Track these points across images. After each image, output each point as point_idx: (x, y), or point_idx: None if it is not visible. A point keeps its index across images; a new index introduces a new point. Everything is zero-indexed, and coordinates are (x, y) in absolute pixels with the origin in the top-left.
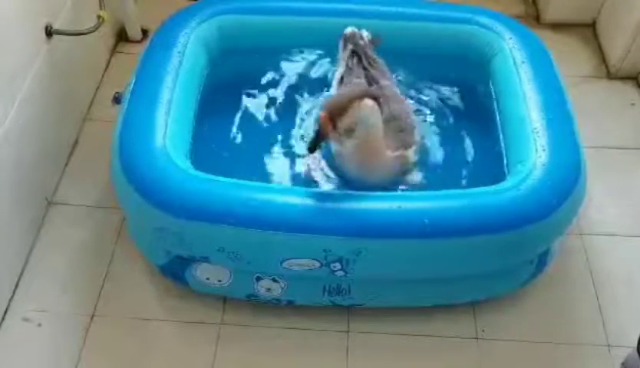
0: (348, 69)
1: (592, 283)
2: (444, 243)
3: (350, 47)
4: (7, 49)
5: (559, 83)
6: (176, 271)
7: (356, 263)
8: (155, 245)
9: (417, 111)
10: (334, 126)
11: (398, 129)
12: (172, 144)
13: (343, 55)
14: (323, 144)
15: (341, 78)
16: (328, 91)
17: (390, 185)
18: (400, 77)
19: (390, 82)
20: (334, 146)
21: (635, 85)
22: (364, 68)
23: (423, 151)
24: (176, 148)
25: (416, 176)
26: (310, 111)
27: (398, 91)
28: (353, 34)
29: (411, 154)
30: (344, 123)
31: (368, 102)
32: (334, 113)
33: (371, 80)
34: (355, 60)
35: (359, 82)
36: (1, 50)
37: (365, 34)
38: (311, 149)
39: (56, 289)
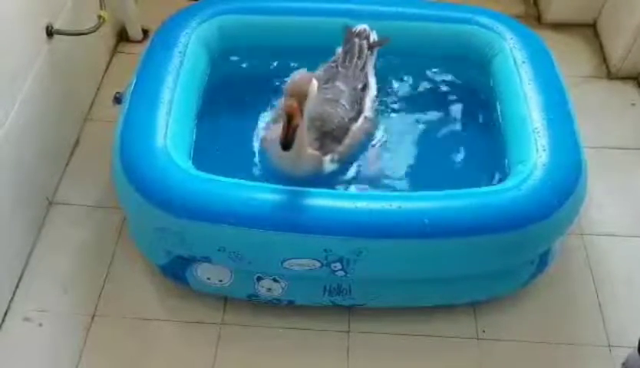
0: (331, 61)
1: (592, 283)
2: (445, 243)
3: (348, 45)
4: (8, 49)
5: (560, 83)
6: (176, 271)
7: (356, 263)
8: (156, 245)
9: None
10: (302, 112)
11: (322, 130)
12: (173, 144)
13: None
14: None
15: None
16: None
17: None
18: (401, 78)
19: (347, 89)
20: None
21: (636, 85)
22: (337, 66)
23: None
24: (177, 148)
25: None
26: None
27: (348, 98)
28: (363, 31)
29: (327, 160)
30: (306, 106)
31: (315, 81)
32: (300, 98)
33: (330, 77)
34: (341, 57)
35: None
36: (2, 51)
37: (373, 35)
38: (289, 145)
39: (57, 289)
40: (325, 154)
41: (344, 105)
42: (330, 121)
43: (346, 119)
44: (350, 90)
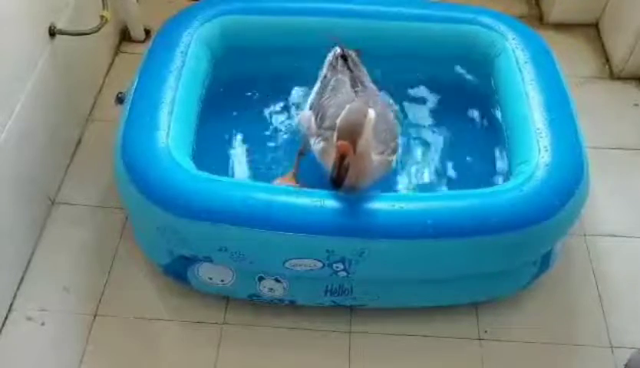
0: (332, 68)
1: (594, 283)
2: (447, 244)
3: (338, 51)
4: (10, 49)
5: (562, 83)
6: (178, 270)
7: (359, 263)
8: (158, 245)
9: (419, 111)
10: (354, 150)
11: (384, 132)
12: (175, 144)
13: (328, 58)
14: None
15: (325, 76)
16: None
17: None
18: (402, 78)
19: (375, 87)
20: (317, 145)
21: (638, 85)
22: (349, 69)
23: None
24: (179, 148)
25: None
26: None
27: (380, 95)
28: (338, 54)
29: (394, 160)
30: (361, 144)
31: (373, 114)
32: (352, 138)
33: (356, 80)
34: (340, 61)
35: (345, 92)
36: (5, 51)
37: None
38: (340, 184)
39: (59, 288)
40: (392, 154)
41: (385, 103)
42: (387, 120)
43: (394, 116)
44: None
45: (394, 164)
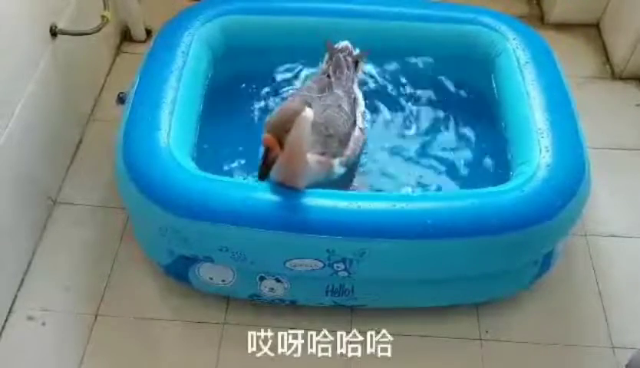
0: (320, 72)
1: (595, 284)
2: (448, 244)
3: (333, 59)
4: (12, 49)
5: (563, 83)
6: (179, 270)
7: (359, 263)
8: (159, 245)
9: (420, 111)
10: (281, 146)
11: (327, 134)
12: (176, 144)
13: (325, 58)
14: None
15: (305, 77)
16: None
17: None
18: (402, 78)
19: (344, 96)
20: None
21: (639, 86)
22: (328, 75)
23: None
24: (180, 148)
25: (359, 182)
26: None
27: (347, 105)
28: (345, 47)
29: (336, 163)
30: (290, 140)
31: (309, 114)
32: (280, 133)
33: (326, 86)
34: (330, 66)
35: (297, 93)
36: (6, 50)
37: (355, 51)
38: (263, 176)
39: (60, 288)
40: (334, 157)
41: (345, 110)
42: (335, 125)
43: (349, 124)
44: (347, 98)
45: (337, 169)
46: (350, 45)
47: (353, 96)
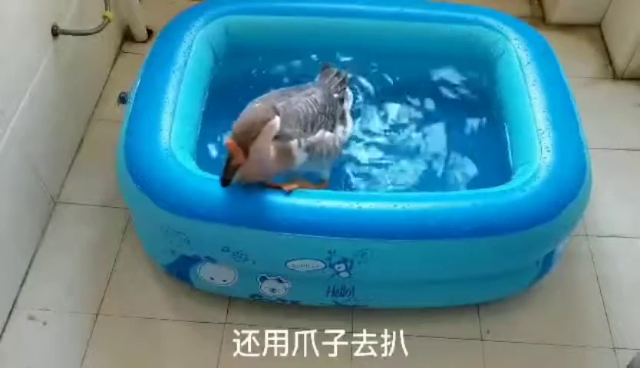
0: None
1: (597, 284)
2: (449, 244)
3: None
4: (14, 49)
5: (565, 83)
6: (180, 270)
7: (360, 264)
8: (160, 245)
9: (421, 111)
10: (246, 153)
11: (292, 122)
12: (177, 144)
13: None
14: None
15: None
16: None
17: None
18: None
19: (322, 93)
20: None
21: None
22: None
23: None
24: (182, 148)
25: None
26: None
27: (323, 98)
28: (341, 73)
29: (294, 146)
30: (256, 148)
31: (276, 123)
32: (245, 142)
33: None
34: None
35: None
36: (9, 51)
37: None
38: (227, 181)
39: (61, 288)
40: (292, 138)
41: (314, 98)
42: (296, 107)
43: (315, 109)
44: (326, 97)
45: (298, 152)
46: (347, 74)
47: (334, 103)
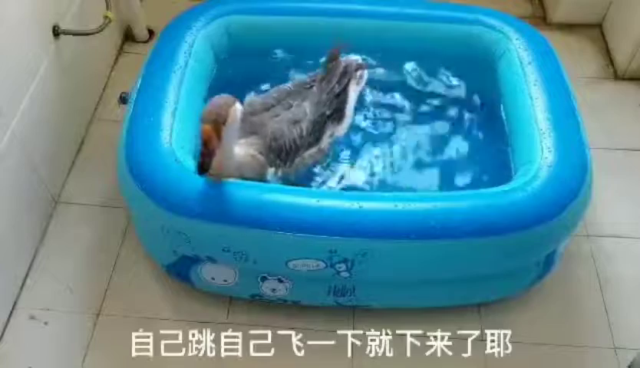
0: (309, 78)
1: (598, 284)
2: (450, 244)
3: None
4: (15, 49)
5: (566, 84)
6: (181, 270)
7: (361, 264)
8: (161, 245)
9: (422, 111)
10: (219, 137)
11: (271, 146)
12: (178, 144)
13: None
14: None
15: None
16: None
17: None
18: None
19: (312, 113)
20: None
21: None
22: (311, 85)
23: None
24: (183, 148)
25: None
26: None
27: (309, 123)
28: (351, 63)
29: (270, 172)
30: (228, 131)
31: (239, 106)
32: (218, 125)
33: (301, 96)
34: (319, 78)
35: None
36: (10, 51)
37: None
38: (204, 169)
39: (62, 288)
40: (270, 166)
41: (302, 128)
42: (281, 142)
43: (298, 143)
44: (316, 116)
45: (270, 176)
46: (358, 61)
47: (330, 110)
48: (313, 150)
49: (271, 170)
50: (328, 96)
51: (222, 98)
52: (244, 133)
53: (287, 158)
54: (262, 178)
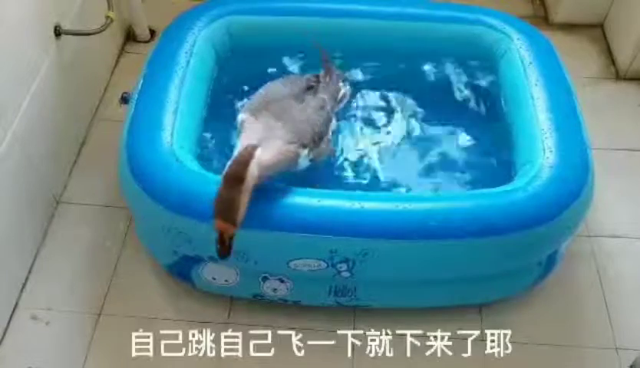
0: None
1: (600, 285)
2: (451, 244)
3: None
4: (16, 49)
5: (567, 84)
6: (182, 270)
7: (362, 264)
8: (162, 245)
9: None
10: (235, 225)
11: (301, 124)
12: (179, 144)
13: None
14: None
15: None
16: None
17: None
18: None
19: (329, 100)
20: None
21: None
22: (318, 80)
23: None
24: (184, 148)
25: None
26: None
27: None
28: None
29: (304, 154)
30: (241, 215)
31: (252, 173)
32: (230, 218)
33: (313, 88)
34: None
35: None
36: (11, 51)
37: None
38: (228, 253)
39: (64, 287)
40: (304, 147)
41: (327, 110)
42: (314, 123)
43: (327, 125)
44: (331, 102)
45: (303, 160)
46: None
47: (337, 98)
48: (327, 138)
49: (304, 152)
50: (334, 89)
51: (230, 176)
52: (266, 125)
53: (318, 141)
54: (296, 166)
